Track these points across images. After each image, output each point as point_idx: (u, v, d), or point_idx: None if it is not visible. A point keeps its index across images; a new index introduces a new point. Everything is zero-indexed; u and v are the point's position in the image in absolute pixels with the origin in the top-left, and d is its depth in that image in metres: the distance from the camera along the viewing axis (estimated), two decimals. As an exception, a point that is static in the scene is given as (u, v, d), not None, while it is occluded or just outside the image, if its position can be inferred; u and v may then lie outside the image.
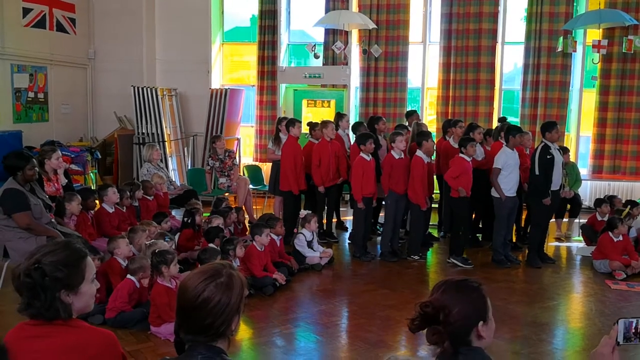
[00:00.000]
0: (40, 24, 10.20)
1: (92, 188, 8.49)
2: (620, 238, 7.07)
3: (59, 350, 2.08)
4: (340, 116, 8.84)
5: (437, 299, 2.10)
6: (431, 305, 2.07)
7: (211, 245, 6.24)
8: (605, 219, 7.77)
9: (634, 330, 1.93)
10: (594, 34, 10.07)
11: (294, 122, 8.07)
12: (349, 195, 8.71)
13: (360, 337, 5.08)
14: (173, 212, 8.31)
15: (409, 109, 10.35)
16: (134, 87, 10.54)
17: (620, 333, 1.92)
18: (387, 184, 7.30)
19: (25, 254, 2.21)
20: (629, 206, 7.97)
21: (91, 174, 9.88)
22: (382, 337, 5.11)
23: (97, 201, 7.07)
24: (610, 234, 7.09)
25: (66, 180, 6.87)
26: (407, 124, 8.97)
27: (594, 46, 9.71)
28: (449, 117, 9.83)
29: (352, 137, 8.61)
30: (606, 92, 10.21)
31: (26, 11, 9.91)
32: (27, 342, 2.09)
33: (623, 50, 9.79)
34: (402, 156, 7.36)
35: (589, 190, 10.30)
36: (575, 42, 9.96)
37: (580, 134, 10.53)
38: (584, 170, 10.08)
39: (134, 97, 10.52)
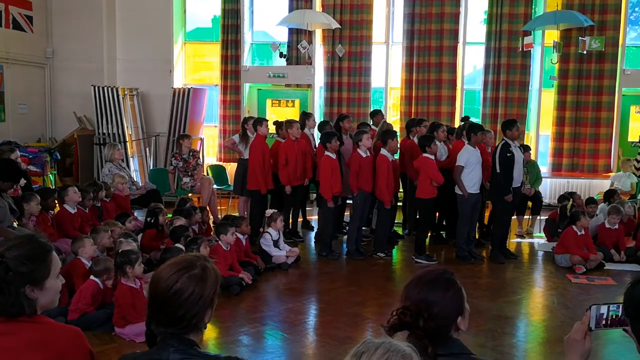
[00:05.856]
0: (-5, 22, 9.93)
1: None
2: (582, 232, 7.24)
3: (24, 348, 2.00)
4: (306, 115, 8.81)
5: (414, 302, 1.99)
6: (409, 312, 1.96)
7: (177, 245, 6.15)
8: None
9: (604, 322, 1.94)
10: (553, 35, 10.30)
11: (261, 121, 8.01)
12: (315, 195, 8.68)
13: (327, 334, 5.09)
14: (135, 213, 8.17)
15: (373, 108, 10.38)
16: (94, 87, 10.33)
17: (593, 319, 1.93)
18: (355, 183, 7.29)
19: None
20: (570, 199, 8.21)
21: (50, 175, 9.64)
22: (349, 334, 5.11)
23: (56, 202, 6.90)
24: (574, 227, 7.23)
25: (25, 181, 6.70)
26: (371, 123, 8.99)
27: (554, 46, 9.94)
28: (412, 117, 9.90)
29: (318, 136, 8.59)
30: (564, 91, 10.45)
31: (-19, 8, 9.64)
32: (-10, 340, 2.02)
33: (579, 51, 10.04)
34: (368, 154, 7.40)
35: (548, 187, 10.51)
36: (532, 42, 10.14)
37: (540, 133, 10.75)
38: (543, 168, 10.29)
39: (94, 97, 10.32)
